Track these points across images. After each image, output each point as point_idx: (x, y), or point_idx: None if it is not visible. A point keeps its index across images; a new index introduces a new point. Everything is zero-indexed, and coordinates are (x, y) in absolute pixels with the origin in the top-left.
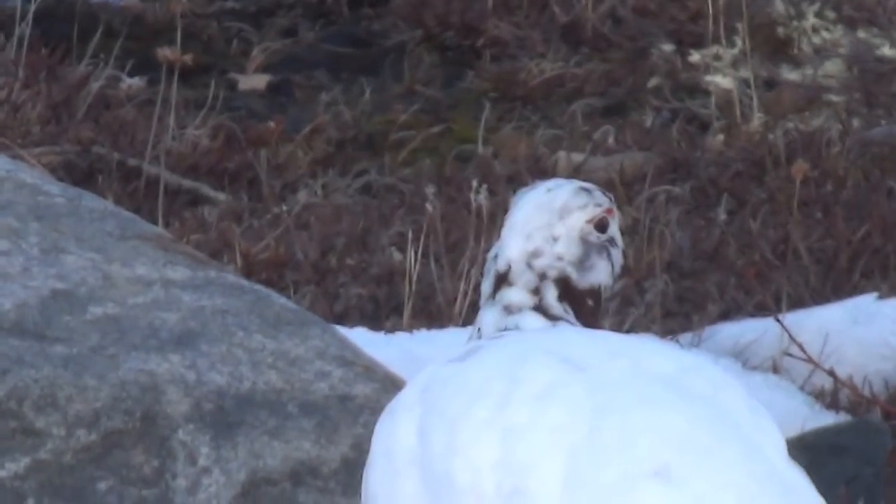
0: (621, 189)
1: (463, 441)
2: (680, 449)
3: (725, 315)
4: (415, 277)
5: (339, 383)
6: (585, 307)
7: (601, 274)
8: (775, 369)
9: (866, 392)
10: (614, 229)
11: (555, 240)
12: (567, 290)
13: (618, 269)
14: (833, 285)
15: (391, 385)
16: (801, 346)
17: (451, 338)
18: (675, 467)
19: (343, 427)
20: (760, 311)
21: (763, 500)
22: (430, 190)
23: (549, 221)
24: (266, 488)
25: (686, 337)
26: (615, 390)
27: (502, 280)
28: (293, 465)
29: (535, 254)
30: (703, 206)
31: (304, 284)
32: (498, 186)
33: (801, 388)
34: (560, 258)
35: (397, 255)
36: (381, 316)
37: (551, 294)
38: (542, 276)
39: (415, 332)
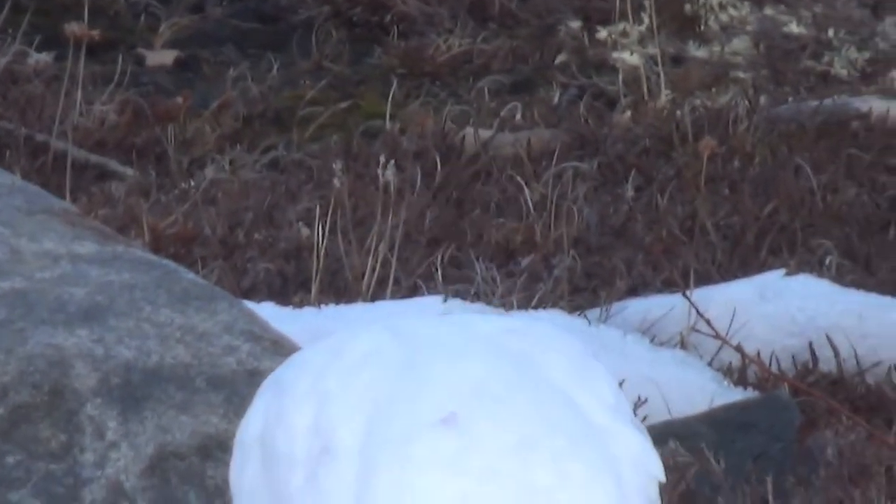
0: (529, 165)
1: (286, 411)
2: (470, 398)
3: (633, 291)
4: (322, 253)
5: (248, 358)
6: None
7: None
8: (683, 345)
9: (774, 368)
10: None
11: None
12: None
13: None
14: (740, 262)
15: None
16: (708, 322)
17: (359, 313)
18: (463, 415)
19: (251, 401)
20: (668, 287)
21: (552, 441)
22: (337, 166)
23: None
24: (174, 462)
25: (593, 312)
26: (426, 349)
27: None
28: (201, 439)
29: None
30: (611, 182)
31: (211, 259)
32: (405, 162)
33: (709, 365)
34: None
35: (305, 231)
36: (289, 291)
37: None
38: None
39: (322, 306)
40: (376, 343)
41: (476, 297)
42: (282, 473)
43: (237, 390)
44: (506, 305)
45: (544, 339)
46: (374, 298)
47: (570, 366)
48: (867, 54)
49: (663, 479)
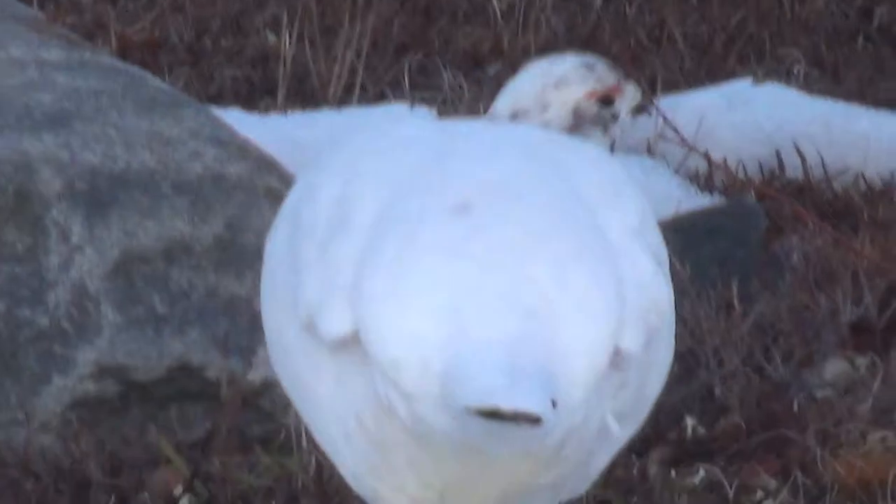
0: None
1: (318, 183)
2: (489, 192)
3: None
4: (289, 59)
5: (213, 163)
6: None
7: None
8: (650, 152)
9: (740, 175)
10: (621, 106)
11: (545, 107)
12: None
13: (619, 143)
14: (708, 70)
15: (264, 165)
16: (675, 130)
17: (325, 119)
18: (477, 206)
19: (216, 206)
20: None
21: (559, 243)
22: None
23: (542, 89)
24: (139, 266)
25: None
26: (462, 143)
27: None
28: (166, 243)
29: (522, 112)
30: None
31: (178, 66)
32: None
33: (676, 172)
34: (547, 124)
35: (272, 38)
36: (255, 97)
37: None
38: None
39: (289, 113)
40: (418, 131)
41: (443, 105)
42: (302, 243)
43: (202, 195)
44: (472, 113)
45: (587, 154)
46: (340, 105)
47: (603, 183)
48: None
49: (669, 311)
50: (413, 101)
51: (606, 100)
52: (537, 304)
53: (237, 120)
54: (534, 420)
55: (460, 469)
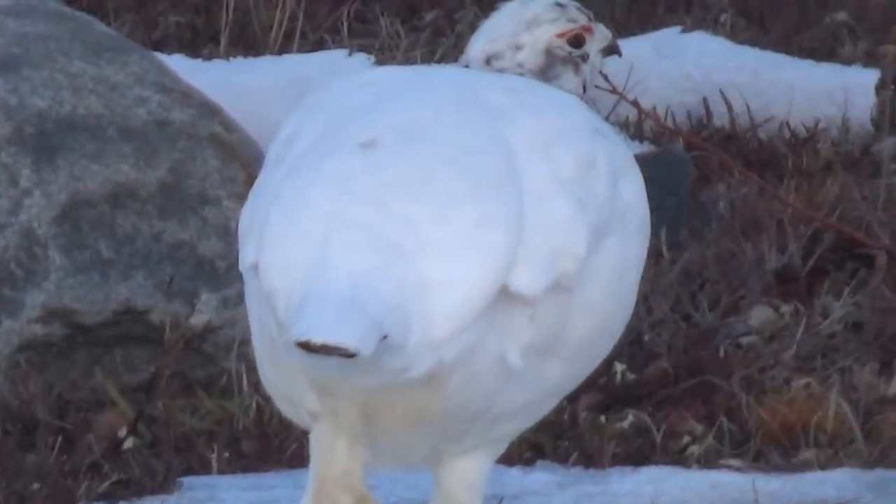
0: None
1: (286, 120)
2: (401, 131)
3: None
4: (231, 6)
5: (158, 108)
6: None
7: (567, 85)
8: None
9: (669, 123)
10: (591, 47)
11: (518, 48)
12: None
13: (589, 84)
14: (638, 18)
15: (208, 111)
16: (605, 77)
17: (268, 65)
18: (383, 143)
19: (161, 151)
20: None
21: (452, 184)
22: None
23: (515, 30)
24: (85, 210)
25: None
26: (409, 86)
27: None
28: (112, 187)
29: (496, 56)
30: None
31: (123, 12)
32: None
33: (607, 119)
34: (520, 65)
35: None
36: (199, 44)
37: None
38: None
39: (231, 59)
40: (384, 75)
41: (381, 51)
42: (261, 174)
43: (148, 140)
44: (409, 60)
45: (540, 104)
46: (281, 52)
47: (539, 132)
48: None
49: (579, 254)
50: (351, 47)
51: (577, 40)
52: (405, 241)
53: (181, 66)
54: (349, 354)
55: (343, 395)
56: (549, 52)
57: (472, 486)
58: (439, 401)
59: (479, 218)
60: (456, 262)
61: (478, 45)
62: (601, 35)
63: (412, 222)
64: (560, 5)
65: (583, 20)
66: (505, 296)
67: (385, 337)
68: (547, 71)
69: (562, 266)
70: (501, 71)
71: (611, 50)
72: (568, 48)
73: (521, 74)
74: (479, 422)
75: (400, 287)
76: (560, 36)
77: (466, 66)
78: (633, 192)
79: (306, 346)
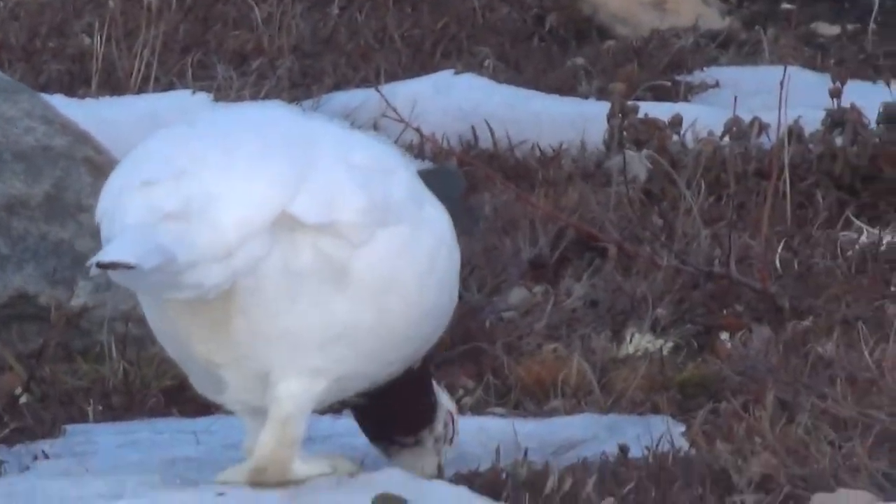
0: None
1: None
2: (220, 118)
3: (337, 86)
4: (100, 57)
5: (43, 137)
6: None
7: None
8: (376, 128)
9: (445, 146)
10: None
11: None
12: None
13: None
14: (420, 64)
15: (82, 138)
16: (395, 110)
17: (128, 102)
18: (203, 122)
19: (46, 170)
20: (364, 83)
21: (244, 145)
22: None
23: None
24: None
25: (308, 103)
26: (208, 128)
27: None
28: (8, 199)
29: None
30: (321, 3)
31: (15, 62)
32: None
33: (395, 142)
34: None
35: (87, 40)
36: (75, 86)
37: None
38: None
39: (101, 98)
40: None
41: (218, 91)
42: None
43: (35, 162)
44: (240, 98)
45: (364, 137)
46: (140, 91)
47: (345, 140)
48: None
49: (356, 208)
50: (194, 88)
51: None
52: (197, 171)
53: (61, 104)
54: (129, 267)
55: (168, 314)
56: None
57: (286, 417)
58: (237, 314)
59: (260, 164)
60: (241, 182)
61: None
62: None
63: (205, 160)
64: None
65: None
66: (290, 222)
67: (172, 257)
68: None
69: (338, 215)
70: None
71: None
72: None
73: None
74: (280, 344)
75: (187, 203)
76: None
77: None
78: (437, 216)
79: (101, 266)
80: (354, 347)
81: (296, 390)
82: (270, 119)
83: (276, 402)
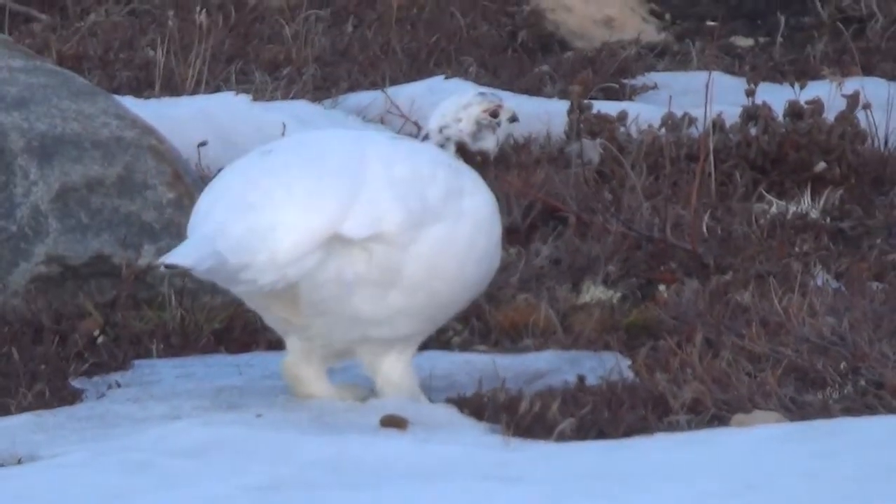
0: (288, 13)
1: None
2: (290, 146)
3: (351, 89)
4: (162, 65)
5: (116, 129)
6: (474, 161)
7: (488, 142)
8: (382, 122)
9: None
10: (502, 117)
11: (458, 121)
12: (462, 150)
13: (501, 140)
14: (417, 70)
15: (147, 130)
16: (397, 108)
17: (184, 102)
18: (276, 151)
19: (118, 156)
20: (373, 86)
21: (299, 170)
22: (171, 13)
23: (456, 112)
24: (72, 193)
25: (328, 102)
26: (277, 159)
27: (426, 138)
28: (88, 179)
29: (444, 126)
30: (339, 22)
31: (94, 70)
32: (213, 10)
33: (397, 134)
34: (461, 130)
35: (151, 53)
36: (141, 89)
37: (451, 150)
38: (447, 139)
39: (162, 98)
40: (291, 139)
41: (256, 93)
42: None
43: (109, 149)
44: (273, 98)
45: (409, 143)
46: (193, 93)
47: (392, 153)
48: None
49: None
50: (237, 90)
51: (494, 114)
52: (259, 202)
53: (130, 103)
54: (184, 270)
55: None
56: (477, 122)
57: (391, 382)
58: (301, 297)
59: (316, 192)
60: (297, 215)
61: (434, 121)
62: (507, 110)
63: (269, 191)
64: (483, 94)
65: (497, 101)
66: (343, 239)
67: (227, 262)
68: (476, 133)
69: (383, 227)
70: (448, 136)
71: (513, 119)
72: (488, 119)
73: (460, 137)
74: (344, 321)
75: (250, 228)
76: (484, 111)
77: (427, 135)
78: (476, 204)
79: (166, 266)
80: (411, 318)
81: (394, 361)
82: (329, 147)
83: (389, 384)
